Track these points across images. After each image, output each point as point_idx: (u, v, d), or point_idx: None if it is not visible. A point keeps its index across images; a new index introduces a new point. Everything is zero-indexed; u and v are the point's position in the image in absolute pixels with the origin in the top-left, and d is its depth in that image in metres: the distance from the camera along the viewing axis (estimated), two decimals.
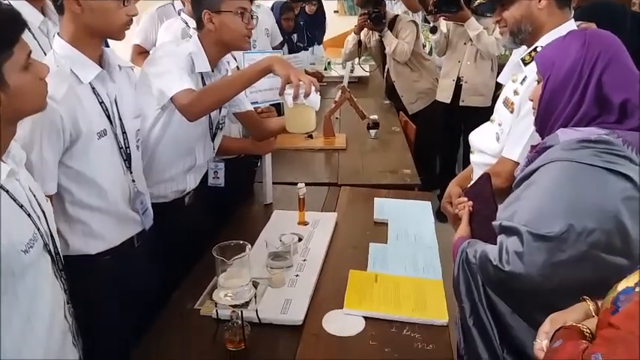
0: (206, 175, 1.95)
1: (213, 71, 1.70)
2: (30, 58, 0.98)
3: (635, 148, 1.06)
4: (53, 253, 1.07)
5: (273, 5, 4.05)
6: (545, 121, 1.18)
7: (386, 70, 3.90)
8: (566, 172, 1.06)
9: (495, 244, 1.14)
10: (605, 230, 1.00)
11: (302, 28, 4.57)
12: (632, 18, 1.99)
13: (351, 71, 4.25)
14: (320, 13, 4.86)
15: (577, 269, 1.01)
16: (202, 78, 1.69)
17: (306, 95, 1.38)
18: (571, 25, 1.47)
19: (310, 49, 4.20)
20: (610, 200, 1.02)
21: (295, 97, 1.39)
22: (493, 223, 1.16)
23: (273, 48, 3.76)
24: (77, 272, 1.19)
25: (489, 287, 1.14)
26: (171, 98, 1.50)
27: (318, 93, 1.42)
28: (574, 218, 1.01)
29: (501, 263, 1.07)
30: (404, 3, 3.96)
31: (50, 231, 1.08)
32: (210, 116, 1.74)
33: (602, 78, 1.09)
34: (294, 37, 4.24)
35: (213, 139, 1.82)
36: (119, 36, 1.36)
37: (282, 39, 3.86)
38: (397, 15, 3.81)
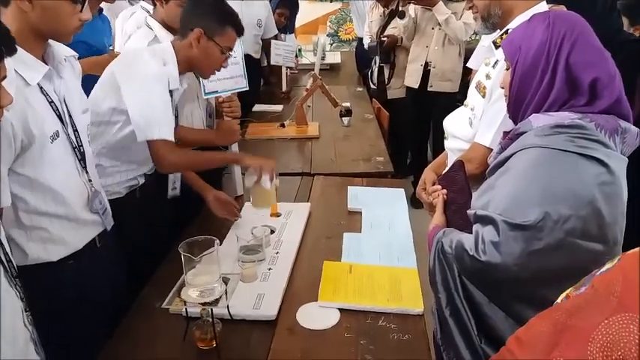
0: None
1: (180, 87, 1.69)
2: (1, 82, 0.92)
3: (608, 132, 1.05)
4: (4, 261, 1.00)
5: None
6: (517, 107, 1.15)
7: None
8: (540, 158, 1.04)
9: (470, 232, 1.12)
10: (580, 216, 0.99)
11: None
12: None
13: (322, 58, 4.20)
14: (294, 1, 4.80)
15: (554, 257, 0.99)
16: (170, 93, 1.64)
17: (270, 180, 1.65)
18: (542, 7, 1.45)
19: (283, 36, 4.14)
20: (585, 186, 1.00)
21: (258, 181, 1.65)
22: (468, 211, 1.14)
23: (266, 40, 3.71)
24: (39, 281, 1.12)
25: (466, 277, 1.13)
26: (149, 143, 1.52)
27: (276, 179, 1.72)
28: (549, 206, 0.99)
29: (477, 253, 1.05)
30: None
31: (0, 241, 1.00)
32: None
33: (570, 59, 1.07)
34: None
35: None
36: (67, 39, 1.25)
37: (276, 32, 3.83)
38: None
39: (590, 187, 1.00)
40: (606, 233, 1.02)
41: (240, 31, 1.69)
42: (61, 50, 1.31)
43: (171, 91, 1.63)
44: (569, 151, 1.02)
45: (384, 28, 3.71)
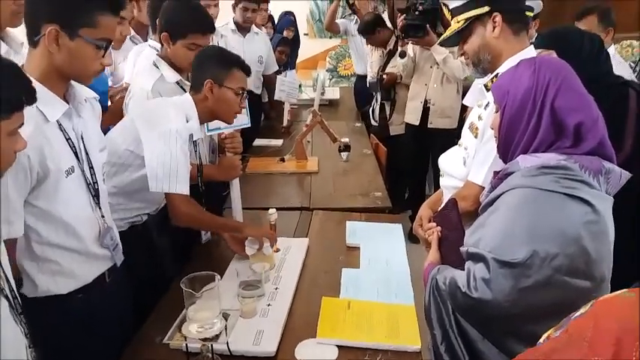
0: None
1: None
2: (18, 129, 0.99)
3: (592, 172, 1.09)
4: (10, 297, 1.03)
5: (273, 36, 4.20)
6: (507, 147, 1.21)
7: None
8: (527, 198, 1.09)
9: (464, 268, 1.16)
10: (567, 254, 1.03)
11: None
12: (589, 41, 2.05)
13: (322, 94, 4.30)
14: (296, 39, 4.95)
15: (543, 294, 1.03)
16: (195, 143, 1.75)
17: (271, 247, 1.78)
18: (530, 51, 1.52)
19: (284, 73, 4.26)
20: (571, 225, 1.04)
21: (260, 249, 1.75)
22: (461, 248, 1.18)
23: (266, 76, 3.83)
24: (47, 314, 1.14)
25: (459, 313, 1.15)
26: (167, 194, 1.62)
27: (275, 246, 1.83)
28: (537, 244, 1.03)
29: (470, 290, 1.09)
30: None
31: (5, 273, 1.03)
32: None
33: (555, 103, 1.13)
34: None
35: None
36: (88, 81, 1.33)
37: (277, 68, 3.95)
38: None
39: (576, 226, 1.04)
40: (593, 270, 1.05)
41: (246, 69, 1.78)
42: (83, 91, 1.38)
43: (195, 141, 1.74)
44: (555, 192, 1.07)
45: (384, 67, 3.83)
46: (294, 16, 5.22)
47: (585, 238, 1.04)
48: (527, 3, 1.56)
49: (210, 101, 1.74)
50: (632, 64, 7.51)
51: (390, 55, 3.79)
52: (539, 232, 1.04)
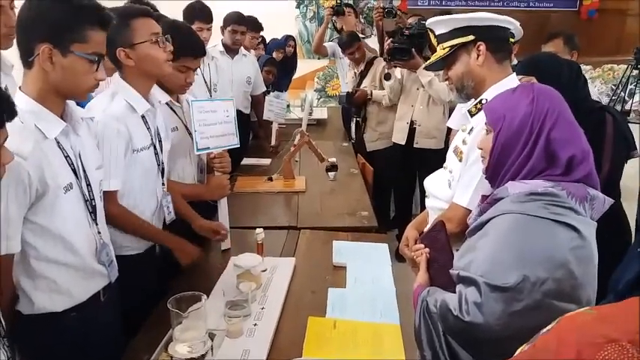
0: None
1: (152, 106, 1.75)
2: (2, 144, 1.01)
3: (578, 199, 1.13)
4: None
5: (260, 56, 4.26)
6: (496, 171, 1.24)
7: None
8: (517, 224, 1.12)
9: (453, 290, 1.18)
10: (556, 279, 1.06)
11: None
12: (568, 67, 2.13)
13: (310, 114, 4.35)
14: (290, 61, 5.05)
15: (533, 317, 1.04)
16: (144, 119, 1.71)
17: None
18: (512, 78, 1.57)
19: (274, 93, 4.34)
20: (559, 250, 1.07)
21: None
22: (451, 271, 1.20)
23: (255, 96, 3.88)
24: (42, 333, 1.14)
25: (450, 336, 1.17)
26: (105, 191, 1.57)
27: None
28: (527, 269, 1.06)
29: (461, 313, 1.11)
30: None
31: None
32: (156, 154, 1.77)
33: (551, 134, 1.16)
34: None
35: (162, 175, 1.84)
36: (83, 98, 1.37)
37: (265, 89, 4.01)
38: (375, 57, 3.96)
39: (563, 251, 1.07)
40: (580, 294, 1.08)
41: (147, 13, 1.68)
42: (78, 112, 1.42)
43: (144, 117, 1.70)
44: (543, 217, 1.10)
45: (357, 85, 3.96)
46: (294, 39, 5.31)
47: (572, 262, 1.07)
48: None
49: (135, 67, 1.65)
50: (612, 86, 7.70)
51: (362, 76, 3.94)
52: (529, 257, 1.07)
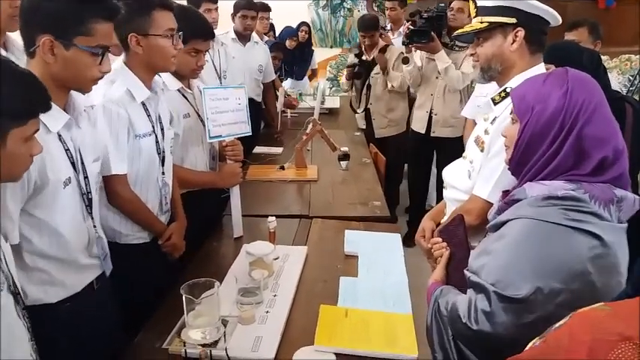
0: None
1: (155, 93, 1.72)
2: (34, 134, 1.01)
3: (603, 203, 1.04)
4: (15, 293, 1.04)
5: (267, 42, 4.25)
6: (522, 164, 1.16)
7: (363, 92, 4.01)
8: (532, 231, 1.05)
9: (466, 290, 1.16)
10: (572, 290, 1.00)
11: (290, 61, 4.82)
12: (589, 55, 2.09)
13: (322, 103, 4.33)
14: (306, 48, 5.06)
15: (545, 328, 1.02)
16: (144, 106, 1.68)
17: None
18: (540, 69, 1.49)
19: (287, 80, 4.35)
20: (577, 260, 1.01)
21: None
22: (465, 271, 1.17)
23: (266, 84, 3.87)
24: (35, 324, 1.14)
25: (459, 340, 1.15)
26: (110, 176, 1.57)
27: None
28: (541, 280, 1.01)
29: (470, 321, 1.08)
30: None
31: (10, 272, 1.04)
32: (157, 142, 1.74)
33: (583, 131, 1.06)
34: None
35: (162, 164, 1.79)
36: (87, 90, 1.33)
37: (274, 77, 4.02)
38: (387, 45, 3.90)
39: (582, 261, 1.01)
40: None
41: (168, 6, 1.66)
42: (81, 101, 1.38)
43: (144, 103, 1.67)
44: (561, 224, 1.03)
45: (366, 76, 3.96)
46: (308, 25, 5.28)
47: (592, 272, 1.01)
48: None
49: (142, 55, 1.63)
50: (630, 77, 7.58)
51: (373, 63, 3.91)
52: (544, 268, 1.01)
